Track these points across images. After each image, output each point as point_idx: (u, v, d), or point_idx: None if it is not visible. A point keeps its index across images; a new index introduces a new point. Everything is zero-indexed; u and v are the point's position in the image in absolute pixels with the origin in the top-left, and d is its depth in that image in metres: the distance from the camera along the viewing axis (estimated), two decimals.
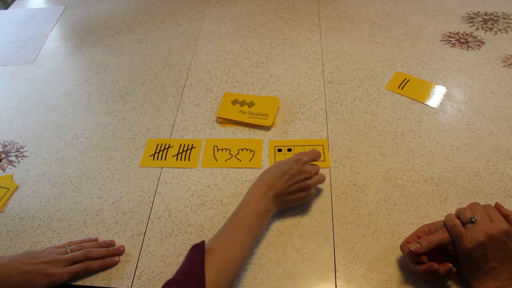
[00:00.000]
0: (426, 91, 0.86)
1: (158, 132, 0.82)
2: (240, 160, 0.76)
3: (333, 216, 0.67)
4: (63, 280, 0.59)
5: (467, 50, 0.95)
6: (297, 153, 0.68)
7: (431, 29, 1.02)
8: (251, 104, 0.85)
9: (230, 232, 0.58)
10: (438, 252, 0.56)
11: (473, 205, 0.56)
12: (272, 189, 0.62)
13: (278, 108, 0.84)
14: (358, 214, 0.66)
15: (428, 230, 0.58)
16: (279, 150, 0.77)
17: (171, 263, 0.63)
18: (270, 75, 0.93)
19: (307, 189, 0.64)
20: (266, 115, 0.82)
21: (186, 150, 0.78)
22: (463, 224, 0.54)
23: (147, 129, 0.83)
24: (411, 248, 0.54)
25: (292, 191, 0.63)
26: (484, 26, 1.02)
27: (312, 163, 0.67)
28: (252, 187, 0.64)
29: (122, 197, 0.72)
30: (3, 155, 0.81)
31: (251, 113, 0.83)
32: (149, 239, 0.66)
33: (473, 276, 0.53)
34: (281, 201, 0.64)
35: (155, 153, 0.79)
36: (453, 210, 0.66)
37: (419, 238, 0.57)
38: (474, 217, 0.53)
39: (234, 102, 0.85)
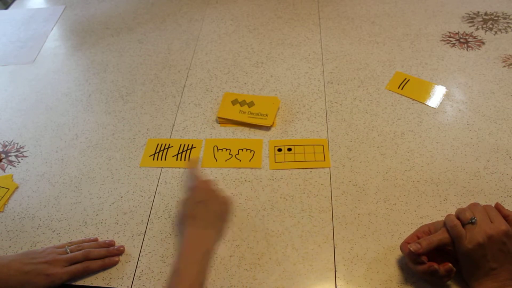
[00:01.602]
0: (426, 91, 0.86)
1: (158, 132, 0.82)
2: (240, 160, 0.76)
3: (333, 216, 0.67)
4: (62, 280, 0.59)
5: (467, 50, 0.95)
6: None
7: (431, 29, 1.02)
8: (251, 104, 0.85)
9: None
10: (438, 253, 0.56)
11: (473, 206, 0.56)
12: None
13: (278, 108, 0.84)
14: (358, 214, 0.66)
15: (428, 230, 0.58)
16: (279, 150, 0.77)
17: (171, 263, 0.62)
18: (270, 75, 0.93)
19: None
20: (266, 115, 0.82)
21: (186, 150, 0.78)
22: (463, 225, 0.54)
23: (147, 129, 0.83)
24: (411, 249, 0.54)
25: None
26: (484, 26, 1.02)
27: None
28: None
29: (122, 197, 0.72)
30: (3, 155, 0.81)
31: (251, 113, 0.83)
32: (149, 239, 0.66)
33: (473, 276, 0.53)
34: None
35: (155, 153, 0.79)
36: (453, 210, 0.65)
37: (419, 238, 0.57)
38: (474, 218, 0.53)
39: (234, 102, 0.85)
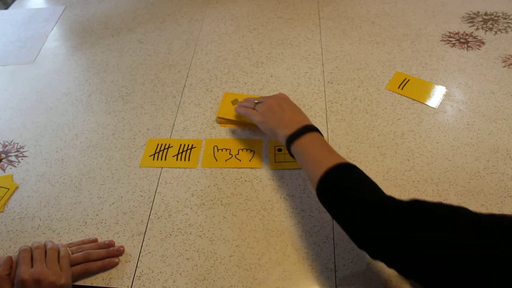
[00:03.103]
0: (426, 91, 0.86)
1: (158, 132, 0.83)
2: (240, 160, 0.76)
3: None
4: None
5: (467, 50, 0.95)
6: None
7: (431, 29, 1.02)
8: None
9: None
10: None
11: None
12: None
13: None
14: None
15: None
16: (279, 150, 0.77)
17: (171, 263, 0.63)
18: (270, 75, 0.93)
19: None
20: None
21: (186, 150, 0.78)
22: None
23: (147, 129, 0.83)
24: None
25: None
26: (484, 26, 1.02)
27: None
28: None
29: (122, 197, 0.72)
30: (3, 155, 0.81)
31: None
32: (149, 239, 0.66)
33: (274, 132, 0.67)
34: None
35: (155, 153, 0.79)
36: None
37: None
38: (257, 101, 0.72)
39: (234, 102, 0.85)
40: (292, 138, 0.62)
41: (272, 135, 0.68)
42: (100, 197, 0.72)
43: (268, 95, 0.75)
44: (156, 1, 1.21)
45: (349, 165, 0.56)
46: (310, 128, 0.63)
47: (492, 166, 0.72)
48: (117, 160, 0.78)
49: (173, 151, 0.79)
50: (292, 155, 0.63)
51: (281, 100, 0.71)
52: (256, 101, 0.73)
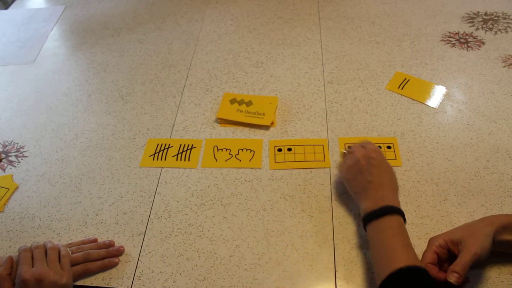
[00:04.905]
0: (426, 91, 0.86)
1: (158, 132, 0.82)
2: (240, 160, 0.76)
3: (333, 216, 0.67)
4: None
5: (467, 50, 0.95)
6: None
7: (431, 29, 1.02)
8: (249, 103, 0.85)
9: None
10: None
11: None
12: None
13: (277, 107, 0.84)
14: (358, 214, 0.66)
15: (444, 243, 0.55)
16: (279, 150, 0.77)
17: (171, 263, 0.63)
18: (270, 75, 0.93)
19: None
20: (263, 114, 0.82)
21: (186, 150, 0.78)
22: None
23: (147, 129, 0.83)
24: (453, 282, 0.50)
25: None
26: (484, 26, 1.02)
27: None
28: None
29: (122, 197, 0.72)
30: (3, 155, 0.81)
31: (248, 112, 0.83)
32: (149, 239, 0.66)
33: (358, 193, 0.62)
34: None
35: (155, 153, 0.79)
36: (453, 210, 0.66)
37: (437, 254, 0.55)
38: (350, 148, 0.68)
39: (233, 101, 0.86)
40: (371, 216, 0.57)
41: (352, 196, 0.64)
42: (100, 197, 0.72)
43: (358, 144, 0.67)
44: (156, 1, 1.21)
45: (417, 270, 0.50)
46: (392, 210, 0.57)
47: (492, 166, 0.72)
48: (117, 160, 0.78)
49: (173, 151, 0.79)
50: (365, 229, 0.59)
51: (372, 159, 0.63)
52: (345, 151, 0.69)
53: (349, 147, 0.68)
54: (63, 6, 1.24)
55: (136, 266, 0.62)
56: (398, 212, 0.57)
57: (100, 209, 0.70)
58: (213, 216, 0.68)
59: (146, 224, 0.68)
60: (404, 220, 0.57)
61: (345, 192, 0.69)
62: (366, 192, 0.61)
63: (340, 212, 0.67)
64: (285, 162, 0.75)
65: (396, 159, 0.74)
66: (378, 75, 0.90)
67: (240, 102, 0.85)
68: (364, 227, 0.59)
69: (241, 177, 0.73)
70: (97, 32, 1.11)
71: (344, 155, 0.68)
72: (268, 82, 0.91)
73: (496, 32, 1.00)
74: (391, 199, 0.59)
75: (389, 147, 0.75)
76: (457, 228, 0.56)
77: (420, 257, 0.56)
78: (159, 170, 0.76)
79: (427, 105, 0.83)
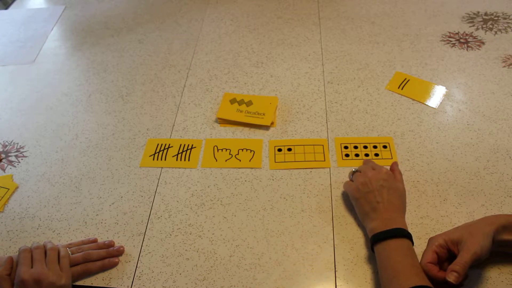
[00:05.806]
0: (426, 91, 0.86)
1: (158, 132, 0.83)
2: (240, 160, 0.76)
3: (333, 216, 0.67)
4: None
5: (467, 50, 0.95)
6: None
7: (431, 29, 1.02)
8: (249, 103, 0.85)
9: None
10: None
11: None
12: None
13: (277, 107, 0.84)
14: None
15: (444, 243, 0.55)
16: (279, 150, 0.77)
17: (171, 263, 0.63)
18: (270, 75, 0.93)
19: None
20: (263, 114, 0.82)
21: (186, 150, 0.79)
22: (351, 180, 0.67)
23: (147, 129, 0.83)
24: (452, 281, 0.51)
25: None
26: (484, 26, 1.02)
27: None
28: None
29: (122, 197, 0.72)
30: (3, 155, 0.81)
31: (248, 112, 0.83)
32: (149, 239, 0.66)
33: (365, 214, 0.62)
34: None
35: (155, 153, 0.79)
36: (453, 210, 0.66)
37: (437, 253, 0.54)
38: (357, 168, 0.67)
39: (233, 101, 0.86)
40: (379, 237, 0.57)
41: (360, 215, 0.64)
42: (100, 197, 0.72)
43: (368, 162, 0.69)
44: (156, 1, 1.21)
45: None
46: (402, 234, 0.56)
47: (492, 166, 0.72)
48: (117, 160, 0.78)
49: (173, 151, 0.79)
50: (372, 250, 0.59)
51: (383, 180, 0.63)
52: (354, 169, 0.68)
53: (357, 168, 0.67)
54: (63, 6, 1.24)
55: (136, 266, 0.62)
56: (407, 236, 0.57)
57: (100, 209, 0.70)
58: (213, 216, 0.68)
59: (146, 224, 0.68)
60: (412, 243, 0.57)
61: (345, 192, 0.69)
62: (374, 212, 0.60)
63: (340, 212, 0.67)
64: (285, 162, 0.75)
65: (392, 158, 0.74)
66: (378, 75, 0.90)
67: (240, 102, 0.85)
68: (372, 247, 0.58)
69: (241, 177, 0.73)
70: (97, 32, 1.11)
71: (352, 173, 0.68)
72: (268, 82, 0.91)
73: (496, 32, 1.00)
74: (400, 222, 0.59)
75: (385, 147, 0.75)
76: (457, 228, 0.57)
77: (419, 257, 0.56)
78: (159, 170, 0.76)
79: (427, 105, 0.83)
